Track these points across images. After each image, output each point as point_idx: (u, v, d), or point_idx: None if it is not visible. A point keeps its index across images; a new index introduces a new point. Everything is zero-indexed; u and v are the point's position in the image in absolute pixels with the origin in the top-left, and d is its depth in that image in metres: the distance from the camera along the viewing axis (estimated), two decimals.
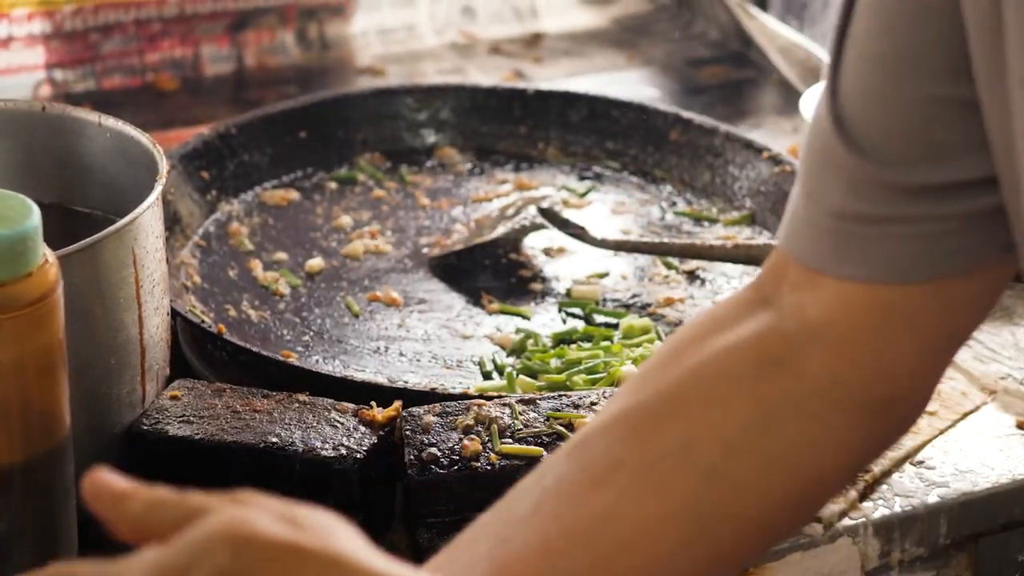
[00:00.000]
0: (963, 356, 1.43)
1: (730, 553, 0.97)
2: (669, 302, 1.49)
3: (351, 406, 1.23)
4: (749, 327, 0.99)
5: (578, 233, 1.55)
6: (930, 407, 1.36)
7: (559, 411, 1.24)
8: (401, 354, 1.41)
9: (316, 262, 1.54)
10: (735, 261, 1.50)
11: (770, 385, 0.97)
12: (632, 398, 0.99)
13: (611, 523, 0.94)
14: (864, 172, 0.94)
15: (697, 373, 0.98)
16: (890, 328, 0.96)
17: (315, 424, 1.22)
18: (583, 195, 1.67)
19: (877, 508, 1.26)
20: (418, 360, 1.40)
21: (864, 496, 1.27)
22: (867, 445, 1.01)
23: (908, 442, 1.32)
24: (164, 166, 1.24)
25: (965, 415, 1.37)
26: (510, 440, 1.21)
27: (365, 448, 1.19)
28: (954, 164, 0.93)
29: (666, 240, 1.53)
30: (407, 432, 1.21)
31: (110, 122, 1.31)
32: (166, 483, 1.21)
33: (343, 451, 1.19)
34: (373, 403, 1.23)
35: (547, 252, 1.56)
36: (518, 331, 1.44)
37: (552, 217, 1.56)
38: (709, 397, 0.97)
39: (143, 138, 1.29)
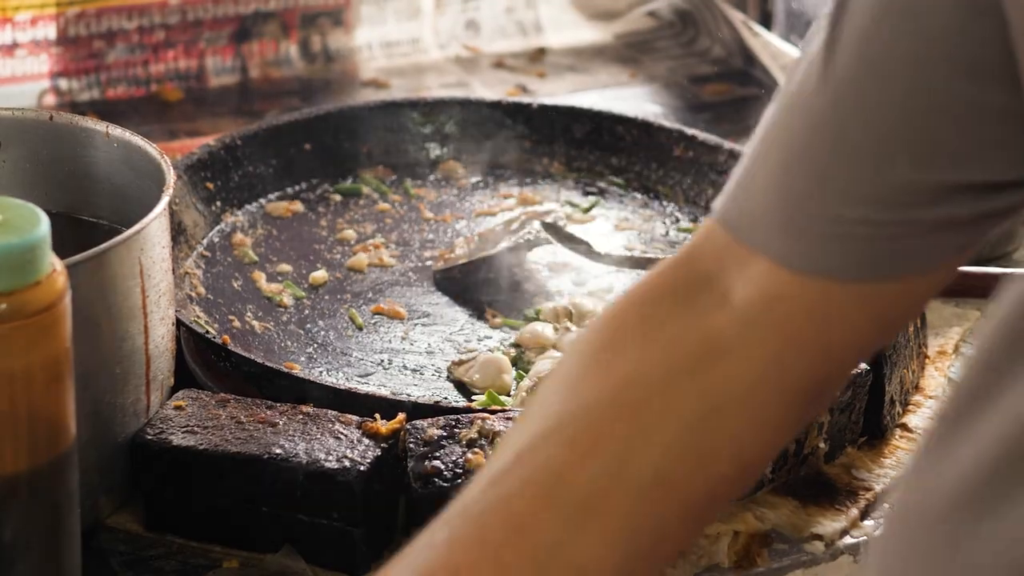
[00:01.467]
0: None
1: (664, 550, 0.95)
2: None
3: (355, 418, 1.23)
4: (691, 315, 0.95)
5: (582, 249, 1.55)
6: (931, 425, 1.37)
7: None
8: (405, 367, 1.41)
9: (320, 274, 1.54)
10: None
11: (714, 375, 0.93)
12: (570, 403, 0.94)
13: (560, 553, 0.91)
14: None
15: (639, 373, 0.94)
16: (837, 317, 0.94)
17: (319, 436, 1.22)
18: (587, 210, 1.67)
19: (878, 526, 1.26)
20: (422, 373, 1.41)
21: (865, 514, 1.28)
22: (796, 429, 0.99)
23: (910, 461, 1.32)
24: (171, 177, 1.24)
25: None
26: None
27: (368, 461, 1.19)
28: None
29: (669, 256, 1.53)
30: (410, 445, 1.21)
31: (117, 132, 1.31)
32: (169, 494, 1.22)
33: (347, 463, 1.19)
34: (377, 416, 1.23)
35: (551, 267, 1.57)
36: None
37: (556, 232, 1.56)
38: (650, 400, 0.93)
39: (150, 148, 1.29)
